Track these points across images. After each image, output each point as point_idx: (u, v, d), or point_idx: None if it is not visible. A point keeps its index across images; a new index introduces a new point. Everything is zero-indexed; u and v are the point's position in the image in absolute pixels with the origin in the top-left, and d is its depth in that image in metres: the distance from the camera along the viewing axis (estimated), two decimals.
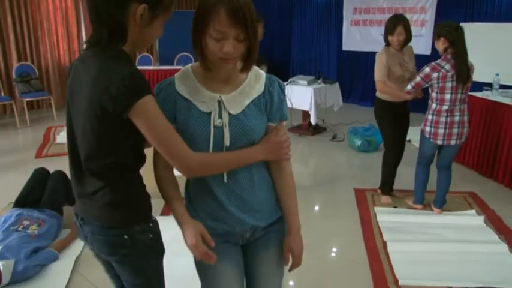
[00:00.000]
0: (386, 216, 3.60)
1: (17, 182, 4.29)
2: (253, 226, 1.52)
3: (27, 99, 6.97)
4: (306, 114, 6.16)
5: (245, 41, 1.31)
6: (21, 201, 3.31)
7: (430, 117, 3.43)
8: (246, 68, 1.40)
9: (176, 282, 1.80)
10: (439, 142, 3.41)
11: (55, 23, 7.87)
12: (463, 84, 3.31)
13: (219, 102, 1.39)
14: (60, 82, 8.15)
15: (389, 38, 3.56)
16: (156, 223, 1.50)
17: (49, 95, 7.39)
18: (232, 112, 1.39)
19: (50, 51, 7.87)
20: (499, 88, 4.73)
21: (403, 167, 4.14)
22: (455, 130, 3.39)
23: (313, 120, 5.90)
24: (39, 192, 3.40)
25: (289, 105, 5.95)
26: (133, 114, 1.24)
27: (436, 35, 3.38)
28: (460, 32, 3.28)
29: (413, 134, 5.78)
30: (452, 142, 3.42)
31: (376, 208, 3.78)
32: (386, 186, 3.92)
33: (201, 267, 1.53)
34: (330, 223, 3.65)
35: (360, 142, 5.34)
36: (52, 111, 7.30)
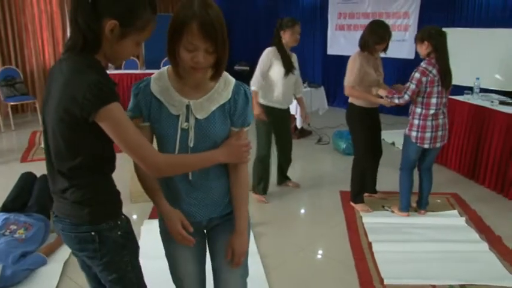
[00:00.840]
0: (371, 218, 3.68)
1: (2, 186, 4.27)
2: (210, 218, 1.67)
3: (12, 103, 6.92)
4: (291, 118, 6.21)
5: (215, 53, 1.41)
6: (8, 206, 3.31)
7: (416, 122, 3.46)
8: (214, 77, 1.50)
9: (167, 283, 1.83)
10: (426, 146, 3.46)
11: (40, 27, 7.83)
12: (447, 89, 3.40)
13: (187, 107, 1.50)
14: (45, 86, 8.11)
15: (377, 47, 3.57)
16: (125, 221, 1.56)
17: (34, 99, 7.34)
18: (199, 117, 1.51)
19: (35, 55, 7.83)
20: (480, 92, 4.86)
21: (386, 168, 4.24)
22: (439, 133, 3.47)
23: (299, 124, 5.97)
24: (26, 197, 3.40)
25: None
26: (99, 120, 1.30)
27: (420, 39, 3.44)
28: (444, 37, 3.36)
29: (396, 137, 5.93)
30: (438, 144, 3.50)
31: None
32: (360, 195, 3.88)
33: (167, 250, 1.72)
34: (316, 225, 3.71)
35: (345, 145, 5.42)
36: (37, 115, 7.25)
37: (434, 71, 3.33)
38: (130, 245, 1.57)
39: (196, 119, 1.50)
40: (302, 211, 4.02)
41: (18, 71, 7.36)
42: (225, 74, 1.55)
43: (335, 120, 6.85)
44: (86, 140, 1.38)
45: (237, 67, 9.45)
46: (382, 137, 5.91)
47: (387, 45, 3.60)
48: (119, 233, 1.51)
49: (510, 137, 4.07)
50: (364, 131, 3.73)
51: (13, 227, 3.08)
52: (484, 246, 3.22)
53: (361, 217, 3.70)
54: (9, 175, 4.53)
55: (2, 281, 2.65)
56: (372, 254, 3.13)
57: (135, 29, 1.37)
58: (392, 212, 3.78)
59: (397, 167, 3.73)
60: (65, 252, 3.12)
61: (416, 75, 3.35)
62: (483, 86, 4.99)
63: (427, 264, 2.99)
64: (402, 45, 7.18)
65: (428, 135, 3.43)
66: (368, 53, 3.62)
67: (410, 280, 2.79)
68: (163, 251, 1.74)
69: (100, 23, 1.32)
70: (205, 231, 1.75)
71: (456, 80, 5.32)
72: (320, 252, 3.26)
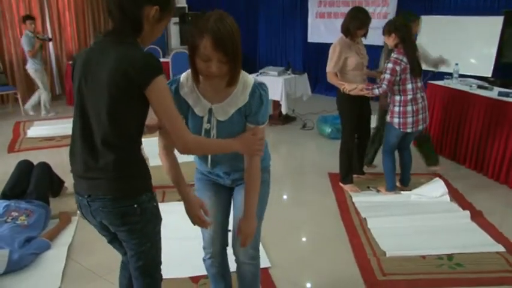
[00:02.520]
0: (361, 197, 3.86)
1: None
2: (232, 179, 1.97)
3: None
4: (276, 104, 6.34)
5: (227, 63, 1.59)
6: (8, 193, 3.35)
7: (396, 109, 3.63)
8: (230, 84, 1.68)
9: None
10: (409, 130, 3.64)
11: (18, 15, 7.63)
12: (418, 75, 3.60)
13: (210, 110, 1.75)
14: (26, 76, 7.96)
15: (359, 31, 3.72)
16: (155, 193, 1.71)
17: (15, 89, 7.25)
18: (220, 119, 1.75)
19: (13, 44, 7.68)
20: (459, 77, 5.07)
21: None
22: (420, 116, 3.65)
23: (284, 110, 6.09)
24: (25, 184, 3.44)
25: None
26: (151, 89, 1.47)
27: (387, 32, 3.64)
28: (409, 28, 3.59)
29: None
30: (420, 127, 3.69)
31: None
32: (348, 175, 4.04)
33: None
34: (309, 205, 3.86)
35: (330, 130, 5.57)
36: (18, 107, 7.15)
37: (405, 59, 3.52)
38: (160, 216, 1.72)
39: (217, 120, 1.75)
40: (293, 193, 4.16)
41: None
42: (244, 76, 1.73)
43: (318, 106, 7.01)
44: (132, 109, 1.53)
45: None
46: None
47: (367, 30, 3.77)
48: (154, 203, 1.65)
49: (488, 119, 4.29)
50: (351, 113, 3.87)
51: (14, 213, 3.12)
52: (467, 218, 3.44)
53: (351, 197, 3.87)
54: None
55: (9, 265, 2.71)
56: (364, 230, 3.29)
57: (168, 11, 1.58)
58: (378, 191, 3.97)
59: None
60: (67, 236, 3.19)
61: (390, 65, 3.53)
62: (461, 72, 5.21)
63: (416, 237, 3.18)
64: (381, 32, 7.35)
65: (409, 120, 3.61)
66: (350, 39, 3.78)
67: (409, 252, 2.97)
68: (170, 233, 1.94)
69: (143, 9, 1.51)
70: (230, 187, 2.03)
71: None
72: (314, 230, 3.40)
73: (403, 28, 3.53)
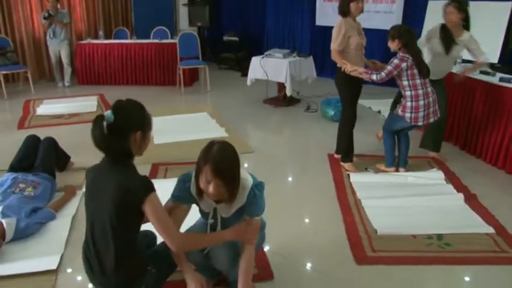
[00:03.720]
0: (358, 177, 3.95)
1: (3, 150, 4.42)
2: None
3: (4, 72, 6.93)
4: (281, 86, 6.41)
5: (225, 186, 1.93)
6: (15, 166, 3.48)
7: (409, 104, 3.77)
8: (229, 201, 2.04)
9: None
10: (420, 123, 3.80)
11: None
12: (426, 77, 3.74)
13: (215, 209, 2.12)
14: (36, 55, 8.11)
15: (352, 5, 3.80)
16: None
17: (25, 68, 7.38)
18: (223, 215, 2.12)
19: (24, 23, 7.79)
20: (462, 62, 5.08)
21: (372, 135, 4.50)
22: (431, 109, 3.79)
23: (288, 92, 6.16)
24: (32, 158, 3.57)
25: (265, 77, 6.20)
26: (146, 204, 1.91)
27: (391, 37, 3.79)
28: (412, 34, 3.74)
29: (382, 106, 6.18)
30: (431, 120, 3.83)
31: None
32: (348, 154, 4.14)
33: None
34: (305, 184, 3.97)
35: (333, 112, 5.64)
36: (29, 85, 7.28)
37: (411, 58, 3.67)
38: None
39: (221, 217, 2.13)
40: (292, 173, 4.25)
41: (8, 40, 7.35)
42: (243, 180, 2.05)
43: (323, 89, 7.05)
44: (131, 221, 2.00)
45: (225, 37, 9.54)
46: (369, 106, 6.24)
47: (363, 5, 3.86)
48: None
49: (488, 104, 4.32)
50: (351, 92, 3.97)
51: (22, 185, 3.26)
52: (460, 200, 3.52)
53: (348, 177, 3.96)
54: (9, 141, 4.70)
55: (16, 233, 2.85)
56: (358, 209, 3.39)
57: (149, 129, 2.05)
58: (377, 171, 4.06)
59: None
60: (72, 208, 3.33)
61: (396, 61, 3.69)
62: (468, 58, 5.20)
63: (412, 216, 3.27)
64: (389, 17, 7.33)
65: (421, 114, 3.75)
66: (351, 19, 3.87)
67: (400, 230, 3.07)
68: None
69: (129, 139, 1.96)
70: None
71: None
72: (309, 208, 3.50)
73: (406, 34, 3.70)
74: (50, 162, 3.58)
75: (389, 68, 3.71)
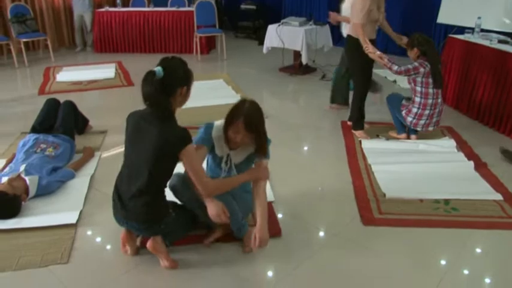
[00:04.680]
0: (369, 143, 4.00)
1: (25, 114, 4.58)
2: None
3: (24, 40, 7.07)
4: (297, 55, 6.41)
5: (253, 140, 2.32)
6: (37, 128, 3.62)
7: (414, 110, 3.86)
8: (258, 152, 2.43)
9: None
10: (418, 129, 3.93)
11: None
12: (439, 88, 3.81)
13: (228, 155, 2.44)
14: (55, 23, 8.21)
15: None
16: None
17: (45, 36, 7.50)
18: (234, 161, 2.46)
19: None
20: (481, 31, 5.00)
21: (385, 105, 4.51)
22: (434, 120, 3.89)
23: (304, 60, 6.16)
24: (52, 120, 3.71)
25: (281, 45, 6.20)
26: (182, 154, 2.14)
27: (410, 45, 3.87)
28: (431, 44, 3.80)
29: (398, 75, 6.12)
30: (430, 128, 3.92)
31: None
32: (360, 122, 4.18)
33: None
34: (318, 150, 4.05)
35: None
36: (49, 52, 7.42)
37: (429, 67, 3.74)
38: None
39: (233, 163, 2.45)
40: (305, 139, 4.30)
41: (28, 7, 7.46)
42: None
43: (339, 58, 6.99)
44: (166, 167, 2.23)
45: (243, 6, 9.49)
46: (384, 75, 6.20)
47: None
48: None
49: (505, 74, 4.26)
50: (362, 60, 3.94)
51: (43, 145, 3.40)
52: (471, 168, 3.54)
53: (360, 143, 4.01)
54: (30, 106, 4.86)
55: (39, 190, 3.00)
56: (368, 174, 3.45)
57: (191, 84, 2.28)
58: (388, 138, 4.10)
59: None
60: (90, 168, 3.47)
61: (415, 64, 3.79)
62: (488, 27, 5.11)
63: (421, 182, 3.32)
64: None
65: (422, 122, 3.88)
66: None
67: (408, 195, 3.12)
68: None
69: (176, 93, 2.19)
70: None
71: (460, 21, 5.45)
72: (320, 171, 3.57)
73: (424, 43, 3.79)
74: (69, 124, 3.71)
75: (409, 66, 3.80)
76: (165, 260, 2.35)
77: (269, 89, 6.00)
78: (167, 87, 2.13)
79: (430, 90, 3.79)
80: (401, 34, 4.20)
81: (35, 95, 5.50)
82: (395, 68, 3.82)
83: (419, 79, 3.77)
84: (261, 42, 6.68)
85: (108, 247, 2.58)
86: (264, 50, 6.59)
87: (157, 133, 2.11)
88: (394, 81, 6.07)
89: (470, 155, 3.81)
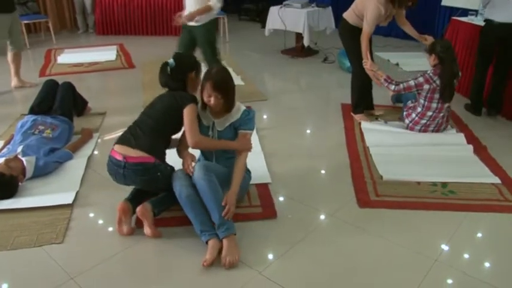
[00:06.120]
0: (369, 124, 3.99)
1: (25, 96, 4.59)
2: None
3: (25, 22, 7.03)
4: (299, 37, 6.35)
5: (222, 99, 2.51)
6: (35, 109, 3.61)
7: (413, 115, 3.78)
8: (225, 111, 2.62)
9: None
10: (416, 131, 3.79)
11: None
12: (446, 102, 3.66)
13: (213, 123, 2.65)
14: (56, 6, 8.15)
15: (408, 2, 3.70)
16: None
17: (46, 18, 7.46)
18: (219, 129, 2.65)
19: None
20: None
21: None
22: (430, 128, 3.76)
23: (306, 42, 6.10)
24: (51, 101, 3.70)
25: (283, 27, 6.12)
26: (186, 108, 2.53)
27: (429, 51, 3.70)
28: (451, 53, 3.62)
29: (401, 58, 6.09)
30: (430, 129, 3.77)
31: None
32: (359, 105, 4.14)
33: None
34: (316, 132, 4.04)
35: (350, 63, 5.56)
36: (50, 35, 7.39)
37: (438, 81, 3.59)
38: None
39: (217, 130, 2.64)
40: (304, 121, 4.27)
41: None
42: (238, 104, 2.65)
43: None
44: (173, 121, 2.59)
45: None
46: (387, 58, 6.13)
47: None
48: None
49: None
50: (357, 45, 3.86)
51: (41, 127, 3.40)
52: (470, 151, 3.51)
53: (359, 125, 3.98)
54: (31, 88, 4.84)
55: (36, 171, 3.01)
56: (366, 156, 3.43)
57: (200, 70, 2.77)
58: (386, 122, 4.05)
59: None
60: (88, 149, 3.48)
61: (420, 79, 3.65)
62: None
63: (415, 165, 3.30)
64: None
65: (418, 127, 3.77)
66: (393, 6, 3.75)
67: (404, 177, 3.11)
68: None
69: (187, 77, 2.69)
70: None
71: (464, 4, 5.34)
72: (318, 153, 3.56)
73: (445, 51, 3.59)
74: (67, 105, 3.70)
75: (411, 83, 3.68)
76: (148, 228, 2.43)
77: (270, 71, 5.96)
78: (179, 73, 2.63)
79: (434, 105, 3.65)
80: (407, 20, 4.11)
81: (36, 77, 5.48)
82: (392, 87, 3.75)
83: (423, 93, 3.65)
84: (264, 25, 6.62)
85: (103, 227, 2.59)
86: (266, 33, 6.53)
87: (170, 95, 2.63)
88: (397, 64, 6.00)
89: (471, 138, 3.77)
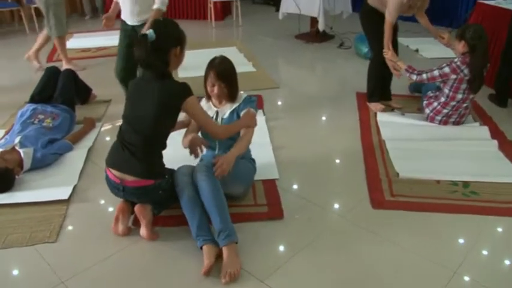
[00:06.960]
0: (385, 116, 3.77)
1: (32, 82, 4.44)
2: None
3: (35, 6, 6.88)
4: (314, 21, 6.08)
5: (226, 88, 2.50)
6: (36, 97, 3.49)
7: (435, 104, 3.52)
8: (231, 100, 2.59)
9: None
10: (436, 123, 3.56)
11: None
12: (474, 93, 3.40)
13: (217, 112, 2.61)
14: None
15: None
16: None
17: None
18: (223, 117, 2.59)
19: None
20: None
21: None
22: (451, 120, 3.52)
23: (321, 27, 5.84)
24: (52, 89, 3.57)
25: (297, 11, 5.88)
26: (185, 105, 2.21)
27: (459, 36, 3.35)
28: (484, 41, 3.28)
29: (420, 44, 5.81)
30: (451, 120, 3.53)
31: None
32: (375, 94, 3.94)
33: None
34: (330, 122, 3.85)
35: (367, 49, 5.29)
36: None
37: (466, 71, 3.29)
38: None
39: (222, 118, 2.60)
40: (318, 110, 4.06)
41: None
42: (240, 93, 2.61)
43: (358, 25, 6.59)
44: (168, 122, 2.28)
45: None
46: (406, 44, 5.86)
47: None
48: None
49: None
50: (378, 29, 3.64)
51: (41, 116, 3.27)
52: (495, 147, 3.27)
53: (375, 116, 3.77)
54: (39, 74, 4.68)
55: (34, 163, 2.89)
56: (382, 150, 3.22)
57: (185, 45, 2.30)
58: (404, 114, 3.82)
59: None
60: (89, 140, 3.34)
61: (446, 69, 3.36)
62: None
63: (435, 161, 3.08)
64: None
65: (439, 118, 3.52)
66: None
67: (422, 174, 2.89)
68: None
69: (170, 52, 2.21)
70: None
71: None
72: (330, 146, 3.37)
73: (476, 37, 3.27)
74: (68, 94, 3.56)
75: (435, 73, 3.42)
76: (145, 229, 2.28)
77: (284, 57, 5.75)
78: (160, 49, 2.14)
79: (459, 96, 3.39)
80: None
81: (43, 62, 5.35)
82: (414, 77, 3.52)
83: (449, 82, 3.40)
84: (278, 9, 6.38)
85: (99, 226, 2.44)
86: (280, 16, 6.29)
87: (159, 89, 2.17)
88: (416, 50, 5.72)
89: (495, 132, 3.52)
